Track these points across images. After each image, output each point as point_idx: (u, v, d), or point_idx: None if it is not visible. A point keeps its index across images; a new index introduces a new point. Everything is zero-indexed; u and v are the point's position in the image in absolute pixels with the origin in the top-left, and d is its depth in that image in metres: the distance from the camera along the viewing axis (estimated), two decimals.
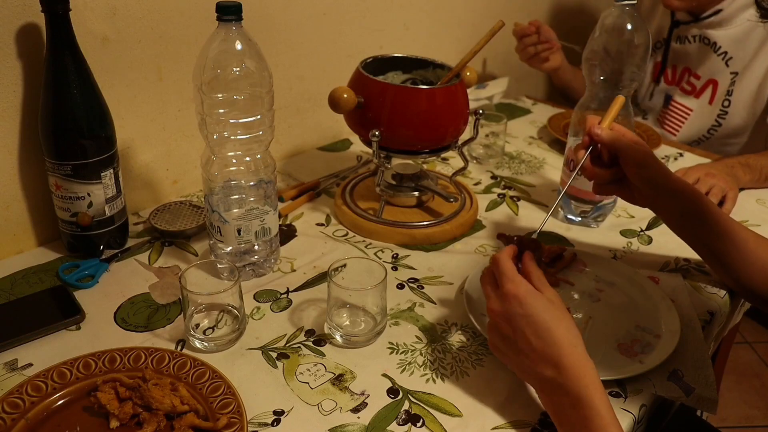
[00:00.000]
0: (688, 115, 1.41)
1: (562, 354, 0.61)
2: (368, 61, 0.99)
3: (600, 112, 0.95)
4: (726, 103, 1.35)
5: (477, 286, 0.82)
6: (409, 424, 0.65)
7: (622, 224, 1.04)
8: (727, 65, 1.34)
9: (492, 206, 1.08)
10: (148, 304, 0.81)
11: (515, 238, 0.72)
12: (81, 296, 0.81)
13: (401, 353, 0.75)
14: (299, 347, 0.75)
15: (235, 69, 0.74)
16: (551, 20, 1.75)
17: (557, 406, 0.62)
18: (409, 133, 0.92)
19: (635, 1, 0.90)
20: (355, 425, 0.65)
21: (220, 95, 0.74)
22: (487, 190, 1.14)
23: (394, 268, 0.90)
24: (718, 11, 1.30)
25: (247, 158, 0.80)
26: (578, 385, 0.59)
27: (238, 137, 0.78)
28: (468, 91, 0.99)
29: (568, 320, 0.63)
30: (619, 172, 0.79)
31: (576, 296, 0.85)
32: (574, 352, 0.61)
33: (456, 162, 1.22)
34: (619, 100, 0.83)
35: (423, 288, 0.86)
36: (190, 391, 0.65)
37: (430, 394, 0.69)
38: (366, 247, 0.95)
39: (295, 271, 0.89)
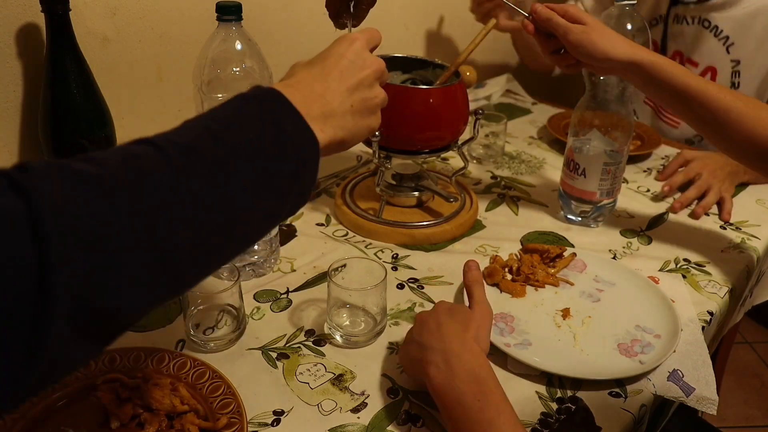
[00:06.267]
0: None
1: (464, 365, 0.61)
2: None
3: (600, 113, 0.95)
4: None
5: None
6: (409, 424, 0.65)
7: (622, 224, 1.04)
8: (728, 52, 1.23)
9: (492, 206, 1.08)
10: None
11: None
12: None
13: None
14: (299, 347, 0.75)
15: (235, 69, 0.74)
16: None
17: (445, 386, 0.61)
18: (409, 133, 0.92)
19: (635, 1, 0.90)
20: (355, 425, 0.65)
21: (220, 95, 0.74)
22: (487, 190, 1.14)
23: (394, 268, 0.90)
24: None
25: None
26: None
27: None
28: (467, 90, 0.99)
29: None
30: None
31: (576, 296, 0.85)
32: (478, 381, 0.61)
33: (456, 162, 1.22)
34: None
35: (423, 288, 0.86)
36: (190, 391, 0.65)
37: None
38: (366, 247, 0.95)
39: (295, 271, 0.89)
